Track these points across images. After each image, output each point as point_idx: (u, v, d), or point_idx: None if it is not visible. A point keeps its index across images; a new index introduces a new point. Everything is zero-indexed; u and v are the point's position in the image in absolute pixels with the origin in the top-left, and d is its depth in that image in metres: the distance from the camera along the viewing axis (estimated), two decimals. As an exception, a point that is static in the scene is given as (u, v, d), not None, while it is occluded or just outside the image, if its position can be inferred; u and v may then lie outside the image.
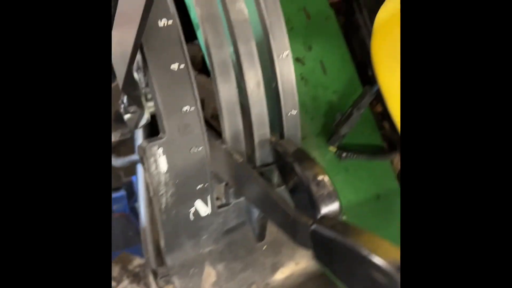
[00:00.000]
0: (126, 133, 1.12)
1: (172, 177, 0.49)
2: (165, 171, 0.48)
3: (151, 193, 0.50)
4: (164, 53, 0.46)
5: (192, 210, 0.52)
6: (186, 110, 0.47)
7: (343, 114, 0.74)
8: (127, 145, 1.15)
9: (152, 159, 0.47)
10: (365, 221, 0.80)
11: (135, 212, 2.16)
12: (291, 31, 0.83)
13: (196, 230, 0.54)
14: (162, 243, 0.53)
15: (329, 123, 0.79)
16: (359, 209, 0.79)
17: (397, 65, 0.58)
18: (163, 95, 0.46)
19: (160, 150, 0.47)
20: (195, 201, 0.52)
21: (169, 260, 0.53)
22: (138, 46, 0.42)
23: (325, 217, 0.40)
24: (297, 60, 0.83)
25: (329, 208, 0.45)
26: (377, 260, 0.30)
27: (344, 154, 0.76)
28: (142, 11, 0.32)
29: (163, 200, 0.49)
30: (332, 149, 0.76)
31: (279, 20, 0.52)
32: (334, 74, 0.84)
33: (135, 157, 1.03)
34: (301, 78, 0.82)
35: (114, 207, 2.09)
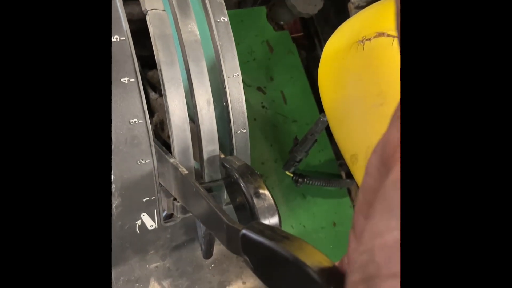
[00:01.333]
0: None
1: (118, 188, 0.49)
2: (111, 181, 0.49)
3: (96, 204, 0.50)
4: (116, 67, 0.48)
5: (138, 223, 0.52)
6: (135, 122, 0.49)
7: (298, 140, 0.77)
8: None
9: (98, 169, 0.48)
10: (320, 248, 0.80)
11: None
12: (254, 61, 0.87)
13: (143, 244, 0.54)
14: (106, 256, 0.52)
15: (287, 150, 0.82)
16: (315, 235, 0.80)
17: (340, 90, 0.61)
18: (113, 106, 0.48)
19: (107, 160, 0.48)
20: (141, 213, 0.52)
21: (114, 273, 0.53)
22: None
23: (257, 223, 0.41)
24: (259, 89, 0.86)
25: (268, 220, 0.46)
26: (304, 266, 0.29)
27: (300, 180, 0.78)
28: None
29: (108, 210, 0.50)
30: (289, 174, 0.78)
31: (230, 43, 0.55)
32: (294, 104, 0.87)
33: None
34: (262, 106, 0.85)
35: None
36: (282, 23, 0.93)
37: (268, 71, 0.88)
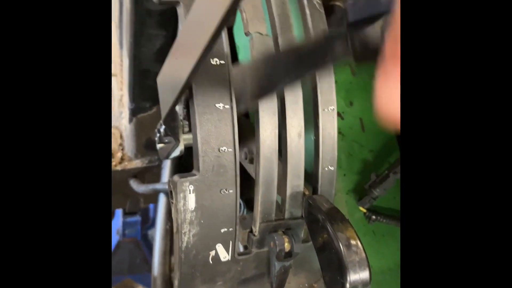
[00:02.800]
0: (154, 160, 1.12)
1: (198, 217, 0.47)
2: (192, 209, 0.47)
3: (175, 230, 0.48)
4: (212, 91, 0.45)
5: (212, 253, 0.50)
6: (224, 150, 0.46)
7: (378, 175, 0.72)
8: (153, 172, 1.15)
9: (181, 195, 0.46)
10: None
11: (146, 240, 2.14)
12: (335, 84, 0.83)
13: (213, 275, 0.52)
14: (176, 283, 0.50)
15: (361, 182, 0.77)
16: (381, 276, 0.75)
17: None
18: (204, 133, 0.45)
19: (191, 187, 0.46)
20: (216, 244, 0.50)
21: (180, 302, 0.51)
22: (191, 80, 0.42)
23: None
24: (337, 114, 0.82)
25: (359, 275, 0.42)
26: None
27: (373, 217, 0.73)
28: (204, 47, 0.31)
29: (185, 238, 0.47)
30: (362, 209, 0.74)
31: (329, 74, 0.51)
32: (372, 133, 0.82)
33: (159, 186, 1.02)
34: (339, 133, 0.81)
35: (127, 231, 2.07)
36: (367, 45, 0.88)
37: (348, 95, 0.83)
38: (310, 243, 0.55)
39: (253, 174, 0.53)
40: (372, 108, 0.84)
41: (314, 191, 0.53)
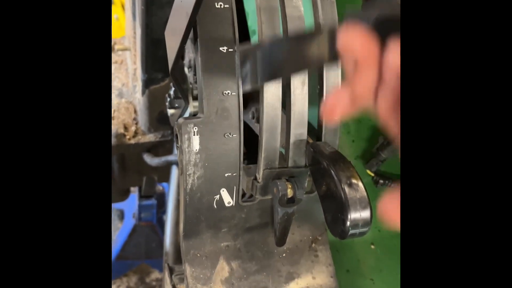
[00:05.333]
0: (167, 134, 1.15)
1: (202, 159, 0.48)
2: (196, 150, 0.48)
3: (180, 172, 0.49)
4: (215, 34, 0.46)
5: (217, 197, 0.51)
6: (228, 93, 0.47)
7: (386, 138, 0.72)
8: (166, 147, 1.17)
9: (186, 136, 0.47)
10: (396, 256, 0.75)
11: (161, 224, 2.17)
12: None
13: (217, 220, 0.53)
14: (181, 226, 0.52)
15: (370, 148, 0.77)
16: (391, 241, 0.75)
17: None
18: (207, 75, 0.46)
19: (195, 129, 0.47)
20: (221, 189, 0.51)
21: (184, 245, 0.52)
22: (192, 22, 0.43)
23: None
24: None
25: (359, 213, 0.42)
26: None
27: (381, 181, 0.73)
28: None
29: (190, 180, 0.49)
30: (370, 173, 0.74)
31: (333, 23, 0.51)
32: (382, 101, 0.82)
33: (171, 157, 1.04)
34: (348, 100, 0.81)
35: (143, 214, 2.10)
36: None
37: (358, 64, 0.83)
38: (313, 195, 0.56)
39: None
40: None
41: (318, 140, 0.53)
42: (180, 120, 0.48)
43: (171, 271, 0.68)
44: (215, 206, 0.51)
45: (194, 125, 0.47)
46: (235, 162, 0.50)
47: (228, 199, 0.51)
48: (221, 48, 0.47)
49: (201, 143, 0.48)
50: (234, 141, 0.49)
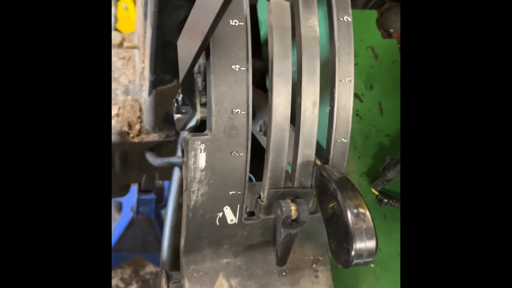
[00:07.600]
0: (171, 135, 1.14)
1: (208, 176, 0.48)
2: (202, 168, 0.47)
3: (184, 188, 0.49)
4: (228, 52, 0.46)
5: (220, 215, 0.50)
6: (237, 112, 0.47)
7: (393, 158, 0.71)
8: (169, 147, 1.16)
9: (192, 153, 0.46)
10: (395, 275, 0.75)
11: (159, 219, 2.17)
12: (356, 66, 0.82)
13: (219, 237, 0.52)
14: (182, 241, 0.51)
15: (376, 165, 0.76)
16: (389, 261, 0.74)
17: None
18: (218, 92, 0.46)
19: (202, 146, 0.47)
20: (224, 206, 0.50)
21: (185, 260, 0.52)
22: (208, 39, 0.42)
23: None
24: (356, 97, 0.81)
25: (365, 243, 0.42)
26: None
27: (385, 200, 0.72)
28: (219, 7, 0.32)
29: (193, 197, 0.48)
30: (375, 192, 0.73)
31: (349, 45, 0.51)
32: (391, 117, 0.81)
33: (174, 159, 1.03)
34: (356, 115, 0.80)
35: (141, 208, 2.10)
36: (391, 30, 0.87)
37: (369, 79, 0.82)
38: (317, 215, 0.55)
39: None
40: (392, 93, 0.83)
41: (326, 162, 0.52)
42: (187, 136, 0.47)
43: (169, 278, 0.68)
44: (218, 223, 0.51)
45: (201, 142, 0.47)
46: (241, 181, 0.49)
47: (231, 217, 0.51)
48: (233, 67, 0.46)
49: (207, 161, 0.47)
50: (241, 160, 0.48)
